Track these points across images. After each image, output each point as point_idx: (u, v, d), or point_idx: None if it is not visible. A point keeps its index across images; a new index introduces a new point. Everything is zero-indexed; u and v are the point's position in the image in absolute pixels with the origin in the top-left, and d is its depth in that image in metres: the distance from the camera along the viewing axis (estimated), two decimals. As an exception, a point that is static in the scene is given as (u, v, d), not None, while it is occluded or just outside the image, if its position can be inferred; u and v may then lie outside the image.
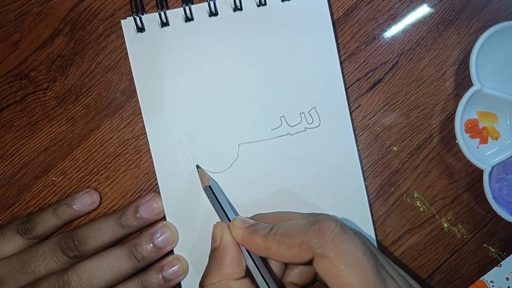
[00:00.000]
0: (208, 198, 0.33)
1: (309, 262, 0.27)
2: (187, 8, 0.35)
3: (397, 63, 0.37)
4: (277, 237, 0.28)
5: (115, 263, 0.32)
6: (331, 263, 0.26)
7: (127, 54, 0.35)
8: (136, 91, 0.35)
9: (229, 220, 0.31)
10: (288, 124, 0.35)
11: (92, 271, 0.31)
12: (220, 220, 0.32)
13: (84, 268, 0.31)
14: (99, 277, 0.31)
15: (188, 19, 0.35)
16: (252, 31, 0.35)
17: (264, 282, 0.29)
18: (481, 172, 0.35)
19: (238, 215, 0.33)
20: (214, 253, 0.30)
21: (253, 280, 0.29)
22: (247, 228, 0.29)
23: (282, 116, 0.35)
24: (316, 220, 0.27)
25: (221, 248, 0.29)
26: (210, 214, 0.35)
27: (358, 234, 0.28)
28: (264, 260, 0.31)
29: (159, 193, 0.35)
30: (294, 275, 0.32)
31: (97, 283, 0.31)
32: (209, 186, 0.33)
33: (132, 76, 0.35)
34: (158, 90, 0.35)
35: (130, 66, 0.35)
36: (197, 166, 0.35)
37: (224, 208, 0.32)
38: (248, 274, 0.29)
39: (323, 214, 0.29)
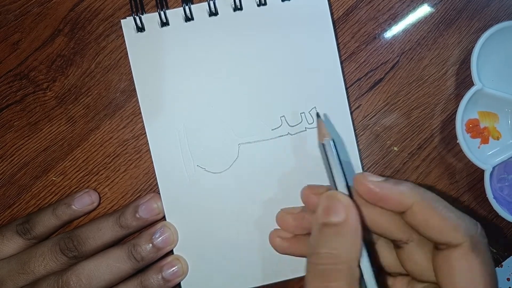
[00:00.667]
0: (326, 155, 0.28)
1: (435, 247, 0.25)
2: (187, 8, 0.34)
3: (397, 63, 0.37)
4: (429, 199, 0.25)
5: (114, 263, 0.32)
6: (480, 261, 0.23)
7: (127, 54, 0.35)
8: (136, 91, 0.35)
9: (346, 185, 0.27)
10: (289, 124, 0.35)
11: (91, 271, 0.31)
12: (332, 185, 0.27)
13: (83, 268, 0.31)
14: (98, 278, 0.31)
15: (188, 19, 0.35)
16: (252, 31, 0.35)
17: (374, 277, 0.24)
18: (482, 172, 0.35)
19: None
20: (337, 228, 0.24)
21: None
22: (385, 180, 0.26)
23: (282, 116, 0.35)
24: (471, 219, 0.25)
25: (348, 224, 0.24)
26: (210, 214, 0.35)
27: None
28: None
29: (159, 193, 0.35)
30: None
31: (96, 283, 0.31)
32: (332, 141, 0.28)
33: (132, 76, 0.35)
34: (158, 90, 0.35)
35: (130, 66, 0.35)
36: (318, 115, 0.32)
37: (343, 170, 0.27)
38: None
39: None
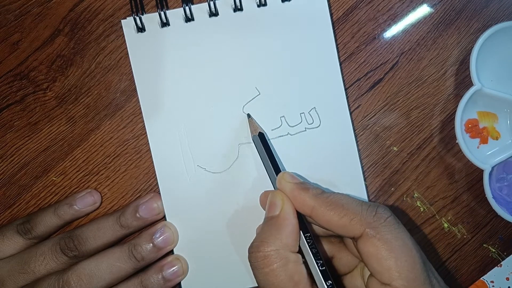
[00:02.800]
0: (257, 148, 0.33)
1: (351, 238, 0.27)
2: (187, 8, 0.35)
3: (397, 63, 0.37)
4: (329, 201, 0.28)
5: (114, 263, 0.32)
6: (382, 245, 0.26)
7: (127, 54, 0.35)
8: (136, 91, 0.35)
9: (277, 173, 0.31)
10: (288, 124, 0.35)
11: (91, 271, 0.31)
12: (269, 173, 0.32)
13: (84, 268, 0.31)
14: (98, 277, 0.31)
15: (189, 19, 0.35)
16: (252, 31, 0.35)
17: (314, 259, 0.28)
18: (481, 172, 0.35)
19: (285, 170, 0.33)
20: (274, 220, 0.28)
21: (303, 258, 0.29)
22: (297, 183, 0.29)
23: (282, 116, 0.35)
24: (373, 204, 0.28)
25: (282, 216, 0.28)
26: (210, 214, 0.35)
27: (406, 230, 0.28)
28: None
29: (159, 193, 0.35)
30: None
31: (97, 283, 0.31)
32: (259, 134, 0.32)
33: (132, 76, 0.35)
34: (158, 90, 0.35)
35: (130, 66, 0.35)
36: (248, 115, 0.35)
37: (275, 159, 0.31)
38: (300, 250, 0.29)
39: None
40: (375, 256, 0.26)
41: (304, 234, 0.29)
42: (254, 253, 0.27)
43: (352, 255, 0.32)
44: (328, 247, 0.32)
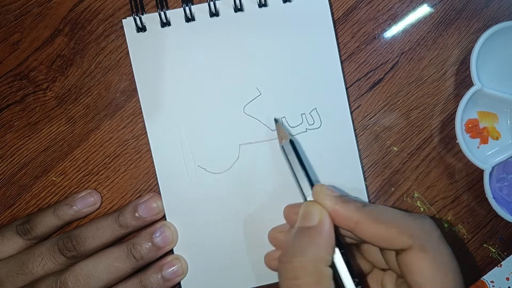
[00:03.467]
0: (287, 156, 0.31)
1: (394, 250, 0.27)
2: (187, 8, 0.35)
3: (397, 63, 0.37)
4: (374, 214, 0.27)
5: (112, 263, 0.32)
6: (431, 259, 0.25)
7: (127, 54, 0.35)
8: (136, 91, 0.35)
9: (310, 183, 0.30)
10: (289, 125, 0.35)
11: (89, 271, 0.31)
12: (299, 181, 0.30)
13: (81, 268, 0.31)
14: (96, 278, 0.31)
15: (189, 19, 0.35)
16: (253, 32, 0.35)
17: (351, 277, 0.27)
18: (481, 172, 0.35)
19: (319, 182, 0.32)
20: (310, 231, 0.27)
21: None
22: (338, 196, 0.28)
23: (283, 117, 0.35)
24: (419, 216, 0.27)
25: (320, 228, 0.27)
26: (210, 214, 0.35)
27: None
28: None
29: (159, 193, 0.35)
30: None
31: (95, 283, 0.31)
32: (290, 141, 0.31)
33: (132, 76, 0.35)
34: (159, 90, 0.35)
35: (130, 66, 0.35)
36: (275, 120, 0.34)
37: (306, 169, 0.30)
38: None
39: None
40: (421, 270, 0.25)
41: (340, 250, 0.27)
42: (287, 263, 0.26)
43: (365, 262, 0.31)
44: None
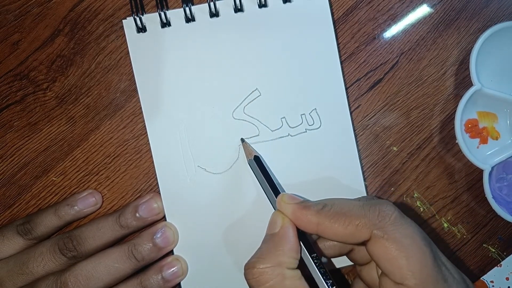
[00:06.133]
0: (253, 171, 0.33)
1: (360, 243, 0.27)
2: (187, 8, 0.35)
3: (397, 63, 0.37)
4: (331, 214, 0.27)
5: (113, 264, 0.32)
6: (390, 245, 0.26)
7: (127, 54, 0.35)
8: (136, 91, 0.35)
9: (276, 194, 0.31)
10: (289, 125, 0.35)
11: (89, 272, 0.31)
12: (267, 194, 0.32)
13: (81, 269, 0.31)
14: (96, 278, 0.31)
15: (189, 19, 0.35)
16: (253, 32, 0.35)
17: (324, 280, 0.28)
18: (481, 172, 0.35)
19: (284, 191, 0.33)
20: (273, 237, 0.29)
21: (303, 273, 0.28)
22: (298, 204, 0.29)
23: (283, 117, 0.35)
24: (375, 203, 0.27)
25: (281, 234, 0.28)
26: (210, 215, 0.35)
27: (414, 223, 0.28)
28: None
29: (159, 193, 0.35)
30: (328, 247, 0.32)
31: (94, 284, 0.31)
32: (255, 158, 0.33)
33: (132, 76, 0.35)
34: (159, 90, 0.35)
35: (130, 66, 0.35)
36: (242, 140, 0.35)
37: (272, 181, 0.32)
38: (299, 266, 0.29)
39: (378, 198, 0.29)
40: (385, 257, 0.26)
41: (310, 255, 0.28)
42: (250, 270, 0.27)
43: (360, 258, 0.32)
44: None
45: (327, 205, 0.28)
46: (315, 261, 0.28)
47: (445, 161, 0.37)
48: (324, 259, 0.34)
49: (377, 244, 0.26)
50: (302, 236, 0.29)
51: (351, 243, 0.28)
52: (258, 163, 0.33)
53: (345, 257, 0.33)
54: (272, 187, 0.32)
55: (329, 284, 0.27)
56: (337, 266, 0.35)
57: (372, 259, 0.27)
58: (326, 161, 0.35)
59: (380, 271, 0.28)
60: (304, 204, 0.29)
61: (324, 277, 0.28)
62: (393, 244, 0.26)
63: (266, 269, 0.27)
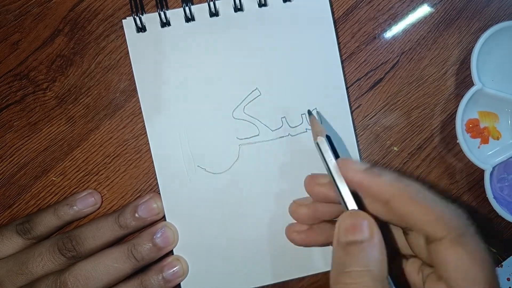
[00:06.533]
0: (322, 153, 0.28)
1: (424, 240, 0.25)
2: (187, 8, 0.34)
3: (397, 63, 0.37)
4: (410, 192, 0.24)
5: (112, 264, 0.32)
6: (467, 254, 0.23)
7: (127, 54, 0.35)
8: (136, 91, 0.35)
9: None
10: (289, 125, 0.35)
11: (88, 272, 0.31)
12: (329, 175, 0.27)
13: (81, 269, 0.31)
14: (95, 278, 0.31)
15: (189, 19, 0.35)
16: (253, 32, 0.35)
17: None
18: (482, 172, 0.35)
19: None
20: (358, 247, 0.24)
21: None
22: (367, 169, 0.26)
23: (283, 117, 0.35)
24: (454, 206, 0.25)
25: (373, 242, 0.24)
26: (210, 215, 0.35)
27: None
28: None
29: (159, 193, 0.35)
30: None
31: (94, 284, 0.31)
32: (327, 136, 0.28)
33: (131, 76, 0.35)
34: (159, 90, 0.35)
35: (130, 66, 0.35)
36: (309, 112, 0.32)
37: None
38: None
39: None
40: (456, 263, 0.24)
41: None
42: (338, 285, 0.24)
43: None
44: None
45: (403, 178, 0.25)
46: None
47: (446, 161, 0.37)
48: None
49: (451, 249, 0.24)
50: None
51: (416, 230, 0.25)
52: (330, 143, 0.28)
53: None
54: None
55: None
56: None
57: (430, 258, 0.25)
58: (327, 161, 0.35)
59: (417, 269, 0.27)
60: (376, 170, 0.25)
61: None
62: (468, 255, 0.23)
63: (371, 283, 0.23)
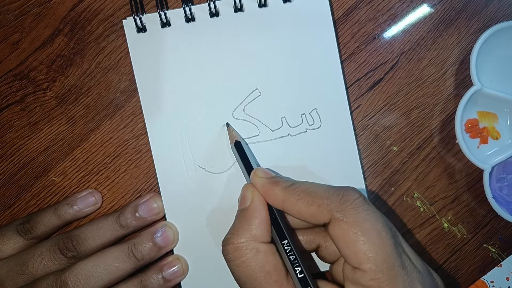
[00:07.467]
0: (237, 155, 0.33)
1: (322, 225, 0.28)
2: (187, 8, 0.35)
3: (397, 63, 0.37)
4: (297, 192, 0.28)
5: (112, 263, 0.32)
6: (349, 228, 0.26)
7: (127, 54, 0.35)
8: (136, 91, 0.35)
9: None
10: (289, 125, 0.35)
11: (89, 271, 0.31)
12: (246, 180, 0.32)
13: (81, 268, 0.31)
14: (96, 277, 0.31)
15: (189, 19, 0.35)
16: (253, 32, 0.35)
17: (290, 250, 0.28)
18: (481, 172, 0.35)
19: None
20: (244, 212, 0.29)
21: (277, 248, 0.29)
22: (268, 178, 0.30)
23: (283, 117, 0.35)
24: (341, 188, 0.28)
25: (251, 208, 0.29)
26: (210, 215, 0.35)
27: (378, 210, 0.27)
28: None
29: (159, 193, 0.35)
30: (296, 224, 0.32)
31: (94, 283, 0.31)
32: (236, 143, 0.33)
33: (132, 76, 0.35)
34: (159, 90, 0.35)
35: (130, 66, 0.35)
36: (227, 124, 0.35)
37: (251, 164, 0.32)
38: (273, 241, 0.29)
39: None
40: (343, 239, 0.26)
41: (281, 242, 0.29)
42: (226, 246, 0.28)
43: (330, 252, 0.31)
44: (313, 237, 0.32)
45: (296, 183, 0.29)
46: (285, 247, 0.28)
47: (445, 161, 0.37)
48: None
49: (336, 227, 0.26)
50: (276, 222, 0.29)
51: (314, 223, 0.28)
52: (238, 148, 0.33)
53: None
54: (248, 168, 0.32)
55: (297, 272, 0.27)
56: (322, 270, 0.34)
57: (333, 243, 0.27)
58: (326, 160, 0.35)
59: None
60: (274, 179, 0.29)
61: (293, 263, 0.28)
62: (352, 228, 0.26)
63: (240, 244, 0.28)
